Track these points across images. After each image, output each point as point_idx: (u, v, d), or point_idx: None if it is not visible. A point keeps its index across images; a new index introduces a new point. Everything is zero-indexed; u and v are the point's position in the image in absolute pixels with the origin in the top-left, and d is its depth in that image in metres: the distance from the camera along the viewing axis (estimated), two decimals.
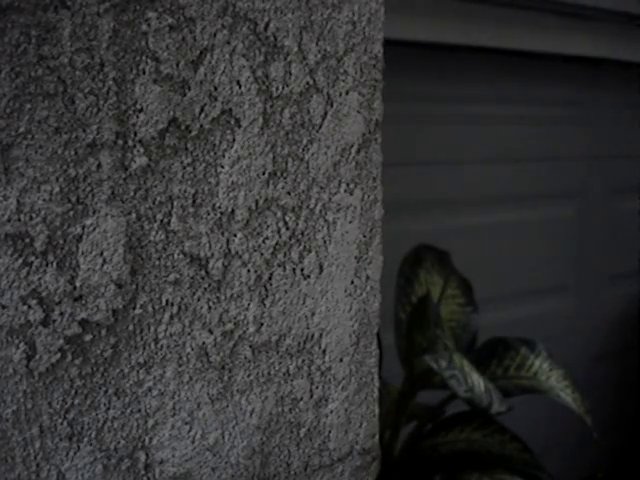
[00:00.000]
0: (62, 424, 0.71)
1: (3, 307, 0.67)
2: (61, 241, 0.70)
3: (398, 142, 1.85)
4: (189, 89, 0.76)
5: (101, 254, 0.72)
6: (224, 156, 0.80)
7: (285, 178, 0.85)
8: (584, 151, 2.69)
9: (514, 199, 2.47)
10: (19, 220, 0.67)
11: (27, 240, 0.68)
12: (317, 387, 0.91)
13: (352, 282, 0.94)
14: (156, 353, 0.77)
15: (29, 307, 0.68)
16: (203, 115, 0.78)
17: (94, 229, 0.71)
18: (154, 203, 0.75)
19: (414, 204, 2.16)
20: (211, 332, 0.81)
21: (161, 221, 0.76)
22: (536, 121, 2.51)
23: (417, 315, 1.53)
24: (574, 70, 2.56)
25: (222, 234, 0.81)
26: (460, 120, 2.28)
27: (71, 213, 0.70)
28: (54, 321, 0.70)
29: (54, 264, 0.69)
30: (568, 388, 1.49)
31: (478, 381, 1.38)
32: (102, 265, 0.72)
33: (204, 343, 0.80)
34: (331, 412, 0.94)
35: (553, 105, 2.55)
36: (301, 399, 0.90)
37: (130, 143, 0.73)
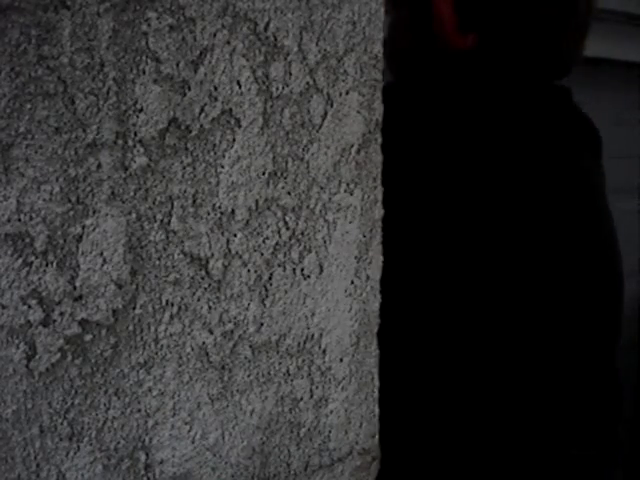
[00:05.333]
0: (62, 424, 0.71)
1: (3, 307, 0.67)
2: (61, 241, 0.70)
3: None
4: (189, 89, 0.77)
5: (101, 254, 0.72)
6: (224, 156, 0.80)
7: (285, 178, 0.85)
8: None
9: None
10: (19, 220, 0.67)
11: (27, 240, 0.68)
12: (317, 387, 0.91)
13: (352, 282, 0.94)
14: (156, 353, 0.77)
15: (29, 307, 0.68)
16: (203, 115, 0.78)
17: (94, 229, 0.71)
18: (154, 203, 0.75)
19: None
20: (211, 332, 0.81)
21: (161, 221, 0.76)
22: None
23: None
24: (574, 70, 2.56)
25: (222, 234, 0.81)
26: None
27: (71, 213, 0.70)
28: (54, 321, 0.70)
29: (54, 264, 0.69)
30: None
31: None
32: (102, 265, 0.72)
33: (204, 343, 0.80)
34: (331, 412, 0.94)
35: None
36: (301, 399, 0.90)
37: (130, 143, 0.73)
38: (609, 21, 2.44)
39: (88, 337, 0.72)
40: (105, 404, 0.74)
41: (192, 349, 0.80)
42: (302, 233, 0.88)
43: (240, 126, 0.81)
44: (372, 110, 0.94)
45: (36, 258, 0.68)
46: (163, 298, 0.77)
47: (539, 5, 1.15)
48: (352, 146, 0.92)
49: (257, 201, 0.83)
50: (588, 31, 1.25)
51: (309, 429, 0.91)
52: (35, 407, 0.70)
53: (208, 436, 0.82)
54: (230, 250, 0.81)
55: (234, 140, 0.81)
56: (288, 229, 0.86)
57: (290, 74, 0.84)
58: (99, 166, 0.71)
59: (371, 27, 0.92)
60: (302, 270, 0.88)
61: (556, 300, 1.12)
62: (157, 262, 0.76)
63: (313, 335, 0.90)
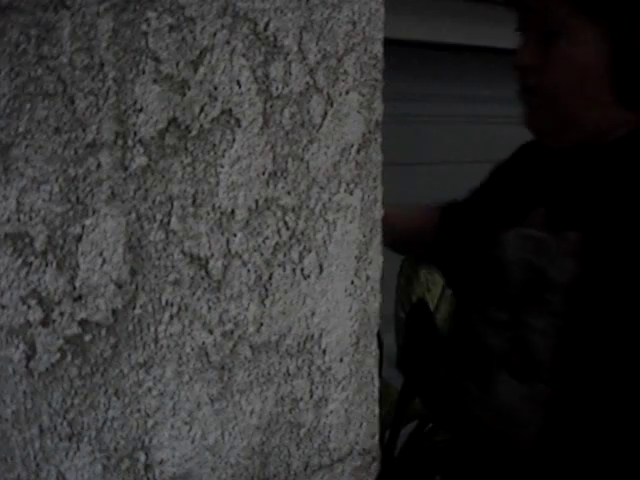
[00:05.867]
0: (62, 424, 0.71)
1: (3, 307, 0.67)
2: (61, 241, 0.70)
3: (398, 142, 1.85)
4: (189, 89, 0.76)
5: (101, 254, 0.72)
6: (224, 156, 0.80)
7: (285, 178, 0.85)
8: None
9: None
10: (19, 220, 0.67)
11: (27, 240, 0.68)
12: (317, 387, 0.91)
13: (352, 282, 0.94)
14: (156, 353, 0.77)
15: (29, 307, 0.68)
16: (203, 115, 0.78)
17: (94, 229, 0.71)
18: (154, 203, 0.75)
19: (414, 204, 2.16)
20: (211, 332, 0.81)
21: (161, 221, 0.76)
22: None
23: (414, 319, 1.54)
24: None
25: (222, 234, 0.81)
26: (460, 120, 2.28)
27: (71, 213, 0.70)
28: (54, 321, 0.70)
29: (54, 264, 0.69)
30: None
31: None
32: (102, 265, 0.72)
33: (204, 343, 0.80)
34: (331, 412, 0.94)
35: None
36: (301, 399, 0.90)
37: (130, 143, 0.73)
38: None
39: (88, 337, 0.72)
40: (105, 404, 0.74)
41: (192, 349, 0.79)
42: (302, 233, 0.88)
43: (240, 126, 0.81)
44: (372, 110, 0.94)
45: (36, 258, 0.68)
46: (163, 298, 0.77)
47: None
48: (352, 146, 0.92)
49: (257, 201, 0.83)
50: None
51: (309, 429, 0.91)
52: (35, 407, 0.70)
53: (208, 436, 0.82)
54: (230, 250, 0.81)
55: (234, 140, 0.81)
56: (288, 229, 0.86)
57: (290, 74, 0.84)
58: (99, 166, 0.71)
59: (371, 27, 0.92)
60: (302, 270, 0.88)
61: None
62: (157, 262, 0.76)
63: (313, 335, 0.90)
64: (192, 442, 0.81)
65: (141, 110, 0.73)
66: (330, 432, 0.94)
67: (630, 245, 1.10)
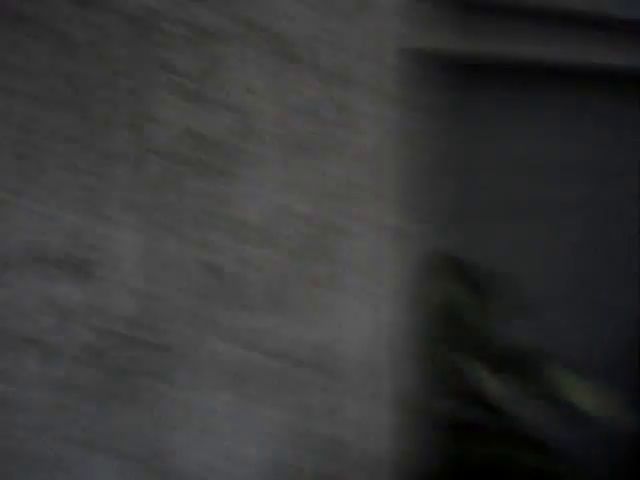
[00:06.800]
0: (77, 431, 0.72)
1: (19, 314, 0.68)
2: (76, 249, 0.70)
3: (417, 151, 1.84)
4: (203, 98, 0.77)
5: (116, 262, 0.73)
6: (238, 165, 0.80)
7: (300, 187, 0.85)
8: (598, 163, 2.68)
9: (525, 207, 2.46)
10: (35, 229, 0.68)
11: (42, 248, 0.68)
12: (331, 395, 0.91)
13: (367, 291, 0.94)
14: (171, 361, 0.77)
15: (45, 315, 0.69)
16: (217, 124, 0.78)
17: (109, 237, 0.72)
18: (169, 212, 0.76)
19: (432, 213, 2.15)
20: (225, 340, 0.81)
21: (176, 230, 0.76)
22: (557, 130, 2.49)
23: (449, 332, 1.52)
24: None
25: (237, 243, 0.81)
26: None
27: (86, 222, 0.71)
28: (70, 329, 0.70)
29: (70, 272, 0.70)
30: (595, 397, 1.48)
31: None
32: (117, 273, 0.73)
33: (218, 351, 0.80)
34: (345, 420, 0.93)
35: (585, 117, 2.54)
36: (315, 407, 0.90)
37: (145, 152, 0.73)
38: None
39: (103, 345, 0.73)
40: (120, 411, 0.74)
41: (206, 357, 0.80)
42: (317, 242, 0.88)
43: (254, 135, 0.81)
44: (386, 119, 0.94)
45: (51, 266, 0.69)
46: (178, 306, 0.77)
47: None
48: (367, 154, 0.92)
49: (272, 210, 0.83)
50: None
51: (323, 437, 0.91)
52: (50, 414, 0.70)
53: (222, 443, 0.82)
54: (244, 258, 0.82)
55: (248, 149, 0.81)
56: (303, 238, 0.86)
57: (304, 83, 0.85)
58: (114, 175, 0.72)
59: (385, 37, 0.92)
60: (317, 279, 0.88)
61: None
62: (172, 270, 0.76)
63: (327, 343, 0.90)
64: (206, 449, 0.81)
65: (156, 120, 0.74)
66: (344, 439, 0.93)
67: None
